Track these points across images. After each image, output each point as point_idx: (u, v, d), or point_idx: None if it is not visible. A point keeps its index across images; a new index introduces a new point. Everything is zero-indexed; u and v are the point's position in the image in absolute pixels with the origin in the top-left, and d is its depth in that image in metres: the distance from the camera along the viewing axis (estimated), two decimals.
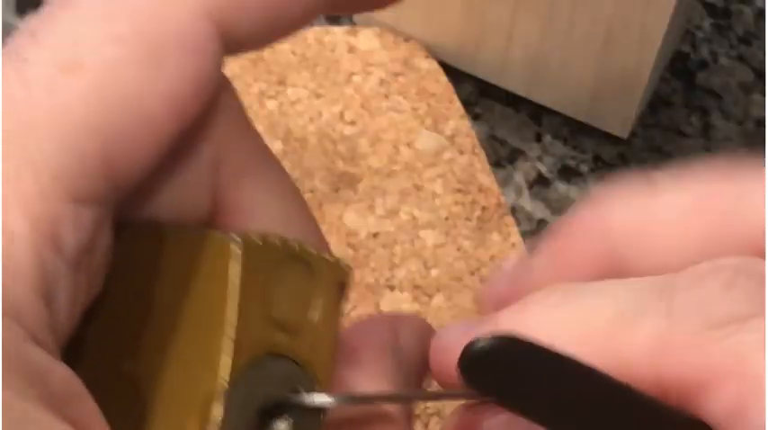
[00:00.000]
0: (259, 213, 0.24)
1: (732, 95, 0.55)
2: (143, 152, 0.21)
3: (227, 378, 0.21)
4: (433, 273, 0.47)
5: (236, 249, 0.21)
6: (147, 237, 0.23)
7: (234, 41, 0.22)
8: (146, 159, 0.21)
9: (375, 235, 0.48)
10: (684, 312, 0.21)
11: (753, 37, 0.57)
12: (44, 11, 0.21)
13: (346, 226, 0.48)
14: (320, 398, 0.22)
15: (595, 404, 0.21)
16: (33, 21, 0.21)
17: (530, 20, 0.51)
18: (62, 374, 0.19)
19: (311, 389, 0.22)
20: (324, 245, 0.25)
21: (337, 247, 0.47)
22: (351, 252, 0.47)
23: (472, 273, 0.47)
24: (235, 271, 0.21)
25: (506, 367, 0.21)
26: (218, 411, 0.21)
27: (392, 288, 0.46)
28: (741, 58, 0.57)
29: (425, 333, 0.26)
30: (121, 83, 0.20)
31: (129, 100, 0.20)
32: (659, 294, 0.21)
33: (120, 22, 0.20)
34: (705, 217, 0.23)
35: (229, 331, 0.21)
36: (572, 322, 0.22)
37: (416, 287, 0.47)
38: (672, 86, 0.55)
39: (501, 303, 0.24)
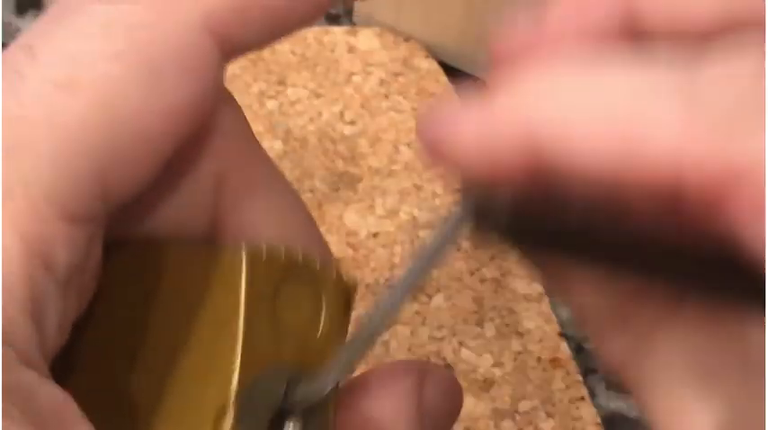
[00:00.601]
0: (260, 236, 0.23)
1: None
2: (139, 171, 0.21)
3: (237, 389, 0.21)
4: (433, 273, 0.47)
5: (241, 259, 0.21)
6: (147, 252, 0.22)
7: (234, 50, 0.22)
8: (141, 178, 0.21)
9: (375, 235, 0.48)
10: (709, 97, 0.19)
11: None
12: (41, 25, 0.21)
13: (346, 226, 0.48)
14: (318, 383, 0.22)
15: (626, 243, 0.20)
16: (30, 34, 0.20)
17: None
18: (52, 395, 0.19)
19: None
20: (330, 262, 0.25)
21: (337, 247, 0.47)
22: (351, 252, 0.47)
23: (472, 273, 0.47)
24: (242, 281, 0.21)
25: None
26: (229, 422, 0.21)
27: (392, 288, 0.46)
28: None
29: (452, 388, 0.25)
30: (119, 101, 0.20)
31: (125, 118, 0.20)
32: (683, 74, 0.19)
33: (117, 39, 0.20)
34: None
35: (238, 342, 0.21)
36: (587, 104, 0.20)
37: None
38: None
39: (511, 61, 0.21)
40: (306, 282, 0.23)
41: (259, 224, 0.23)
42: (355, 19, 0.55)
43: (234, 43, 0.21)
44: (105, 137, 0.20)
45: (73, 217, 0.19)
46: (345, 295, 0.23)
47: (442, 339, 0.45)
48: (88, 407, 0.19)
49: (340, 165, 0.50)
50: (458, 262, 0.47)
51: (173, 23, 0.20)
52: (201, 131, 0.22)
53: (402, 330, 0.45)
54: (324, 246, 0.25)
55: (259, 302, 0.21)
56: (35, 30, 0.20)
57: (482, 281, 0.47)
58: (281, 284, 0.22)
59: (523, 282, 0.47)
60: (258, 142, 0.24)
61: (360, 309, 0.47)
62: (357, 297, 0.46)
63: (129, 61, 0.20)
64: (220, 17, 0.21)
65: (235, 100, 0.24)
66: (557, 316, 0.46)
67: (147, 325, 0.22)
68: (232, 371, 0.21)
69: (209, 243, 0.23)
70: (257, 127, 0.50)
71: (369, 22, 0.54)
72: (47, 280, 0.19)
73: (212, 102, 0.22)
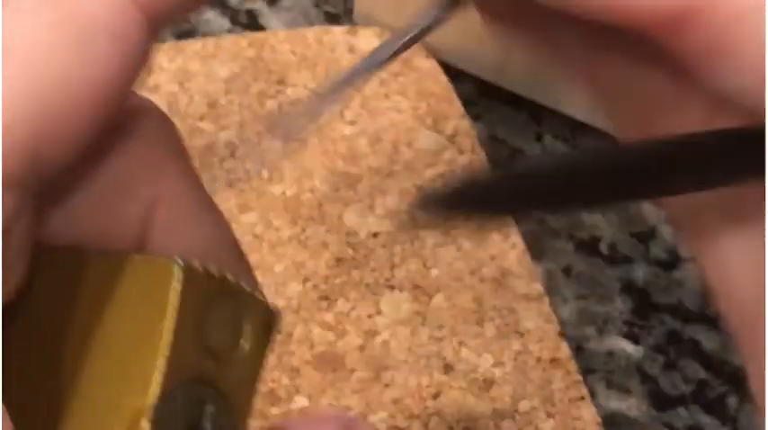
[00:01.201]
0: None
1: None
2: (69, 139, 0.21)
3: (158, 395, 0.21)
4: (433, 273, 0.47)
5: (177, 271, 0.22)
6: (74, 259, 0.23)
7: (160, 22, 0.22)
8: (71, 146, 0.21)
9: (375, 235, 0.48)
10: None
11: None
12: None
13: (346, 226, 0.48)
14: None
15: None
16: None
17: None
18: None
19: (231, 421, 0.23)
20: (257, 288, 0.25)
21: (337, 247, 0.47)
22: (351, 252, 0.47)
23: (472, 273, 0.47)
24: (175, 291, 0.22)
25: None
26: (145, 426, 0.21)
27: (392, 288, 0.46)
28: None
29: None
30: (51, 66, 0.21)
31: (57, 84, 0.21)
32: None
33: (48, 11, 0.21)
34: None
35: (164, 350, 0.21)
36: None
37: (416, 287, 0.47)
38: None
39: None
40: (233, 303, 0.23)
41: (186, 251, 0.24)
42: (355, 19, 0.55)
43: (159, 14, 0.22)
44: (37, 101, 0.20)
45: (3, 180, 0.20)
46: (268, 321, 0.24)
47: (441, 339, 0.45)
48: (11, 406, 0.19)
49: (340, 165, 0.50)
50: (458, 262, 0.47)
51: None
52: (140, 150, 0.23)
53: (402, 330, 0.45)
54: (252, 277, 0.25)
55: (188, 316, 0.22)
56: None
57: (482, 280, 0.47)
58: (210, 301, 0.22)
59: (523, 282, 0.47)
60: (192, 165, 0.25)
61: (360, 310, 0.47)
62: (357, 296, 0.46)
63: (59, 30, 0.21)
64: None
65: (172, 122, 0.25)
66: (557, 316, 0.46)
67: (71, 329, 0.22)
68: (154, 376, 0.21)
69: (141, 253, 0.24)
70: (257, 127, 0.50)
71: (369, 22, 0.54)
72: None
73: (140, 73, 0.22)
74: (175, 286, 0.22)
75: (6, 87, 0.20)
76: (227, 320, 0.23)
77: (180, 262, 0.22)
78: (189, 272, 0.22)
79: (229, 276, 0.23)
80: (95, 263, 0.23)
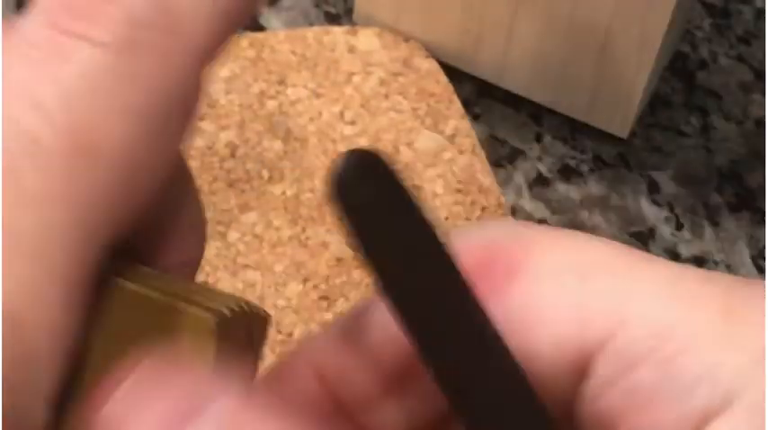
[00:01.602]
0: (181, 240, 0.24)
1: (732, 95, 0.55)
2: (144, 212, 0.21)
3: None
4: None
5: (212, 325, 0.22)
6: (116, 293, 0.23)
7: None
8: (143, 216, 0.21)
9: None
10: None
11: (752, 37, 0.58)
12: (37, 67, 0.20)
13: None
14: None
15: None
16: (41, 89, 0.19)
17: (530, 20, 0.51)
18: None
19: None
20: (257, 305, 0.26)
21: (338, 247, 0.47)
22: (351, 252, 0.47)
23: None
24: (211, 347, 0.22)
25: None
26: None
27: None
28: (741, 58, 0.57)
29: None
30: (135, 158, 0.20)
31: (141, 173, 0.20)
32: None
33: (127, 90, 0.20)
34: None
35: None
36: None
37: None
38: (672, 86, 0.55)
39: None
40: (243, 326, 0.23)
41: (181, 232, 0.24)
42: (355, 19, 0.55)
43: (210, 62, 0.21)
44: (123, 195, 0.20)
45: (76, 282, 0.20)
46: (264, 325, 0.24)
47: None
48: None
49: None
50: None
51: (175, 70, 0.20)
52: None
53: None
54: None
55: (219, 358, 0.22)
56: (35, 73, 0.19)
57: None
58: (233, 333, 0.23)
59: None
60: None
61: None
62: (357, 297, 0.46)
63: (140, 114, 0.20)
64: (209, 50, 0.21)
65: None
66: None
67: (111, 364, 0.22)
68: None
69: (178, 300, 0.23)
70: (257, 127, 0.50)
71: (369, 22, 0.54)
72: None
73: None
74: (210, 342, 0.21)
75: (91, 189, 0.19)
76: (239, 342, 0.23)
77: (211, 314, 0.21)
78: (221, 322, 0.22)
79: (250, 305, 0.23)
80: (138, 300, 0.22)
